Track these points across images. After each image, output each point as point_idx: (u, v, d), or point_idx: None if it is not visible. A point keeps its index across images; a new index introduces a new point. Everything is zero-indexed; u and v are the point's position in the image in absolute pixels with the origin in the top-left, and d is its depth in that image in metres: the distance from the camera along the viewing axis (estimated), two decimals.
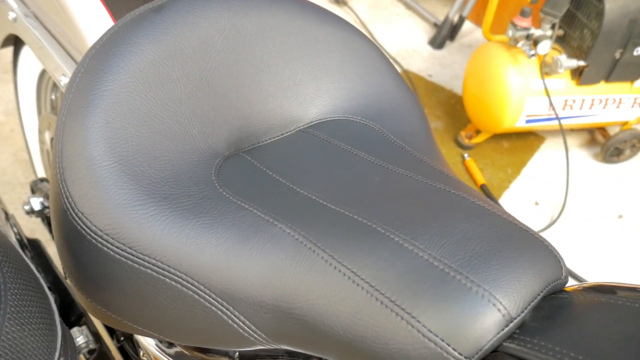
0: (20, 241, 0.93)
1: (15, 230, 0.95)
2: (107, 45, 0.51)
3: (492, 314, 0.38)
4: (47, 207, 0.94)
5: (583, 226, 1.49)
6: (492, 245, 0.42)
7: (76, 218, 0.47)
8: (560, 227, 1.48)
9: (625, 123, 1.60)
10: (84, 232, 0.47)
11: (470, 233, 0.43)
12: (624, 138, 1.58)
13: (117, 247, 0.46)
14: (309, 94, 0.61)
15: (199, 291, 0.45)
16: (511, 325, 0.38)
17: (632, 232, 1.49)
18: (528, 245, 0.43)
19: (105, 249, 0.46)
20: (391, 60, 1.87)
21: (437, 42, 2.04)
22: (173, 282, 0.46)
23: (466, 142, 1.64)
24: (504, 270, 0.40)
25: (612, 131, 1.67)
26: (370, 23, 2.12)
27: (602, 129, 1.68)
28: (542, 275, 0.41)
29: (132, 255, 0.46)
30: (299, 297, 0.43)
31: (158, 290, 0.46)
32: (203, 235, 0.46)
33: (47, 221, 0.97)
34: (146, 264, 0.45)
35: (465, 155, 1.61)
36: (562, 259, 0.44)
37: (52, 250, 0.87)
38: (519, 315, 0.39)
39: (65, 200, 0.47)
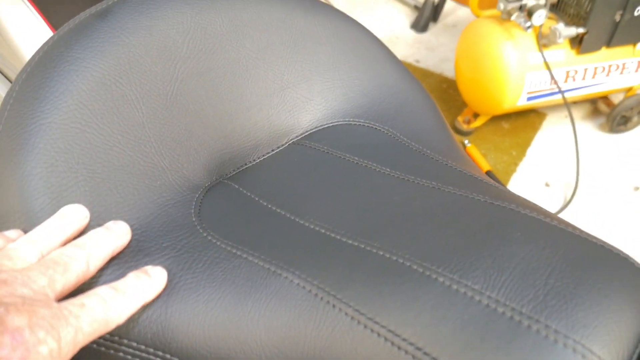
0: None
1: None
2: (41, 65, 0.40)
3: None
4: None
5: (599, 203, 1.40)
6: (569, 274, 0.31)
7: None
8: (575, 207, 1.38)
9: (630, 89, 1.51)
10: None
11: (536, 260, 0.32)
12: (630, 105, 1.49)
13: None
14: (299, 99, 0.50)
15: None
16: None
17: None
18: (611, 266, 0.33)
19: None
20: None
21: (420, 26, 1.93)
22: None
23: (464, 127, 1.54)
24: (594, 309, 0.30)
25: (616, 99, 1.57)
26: (348, 12, 2.01)
27: (605, 98, 1.59)
28: None
29: (98, 338, 0.35)
30: None
31: None
32: (187, 300, 0.35)
33: None
34: (116, 346, 0.35)
35: (466, 141, 1.51)
36: None
37: None
38: None
39: None
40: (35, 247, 0.33)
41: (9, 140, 0.37)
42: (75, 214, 0.36)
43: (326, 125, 0.50)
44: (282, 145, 0.49)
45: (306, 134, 0.50)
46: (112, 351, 0.35)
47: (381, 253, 0.35)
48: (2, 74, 0.59)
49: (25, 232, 0.35)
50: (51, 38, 0.42)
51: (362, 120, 0.51)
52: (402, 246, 0.35)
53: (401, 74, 0.54)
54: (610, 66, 1.41)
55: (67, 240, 0.35)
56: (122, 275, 0.35)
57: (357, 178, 0.44)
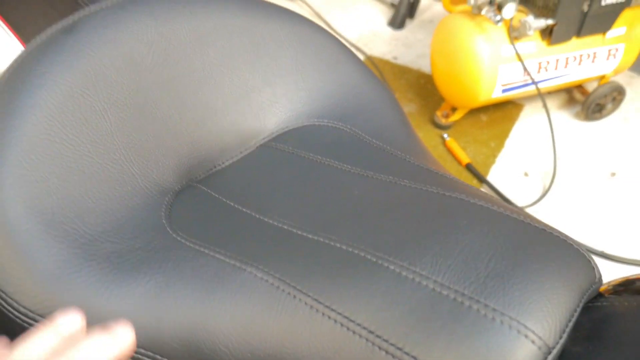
0: None
1: None
2: (12, 81, 0.42)
3: (524, 348, 0.30)
4: None
5: (577, 190, 1.43)
6: (508, 257, 0.34)
7: (0, 300, 0.38)
8: (553, 195, 1.41)
9: (603, 77, 1.54)
10: (12, 315, 0.38)
11: (479, 245, 0.35)
12: (604, 92, 1.52)
13: None
14: (264, 102, 0.52)
15: None
16: (550, 357, 0.31)
17: (627, 189, 1.43)
18: (549, 249, 0.35)
19: None
20: (353, 48, 1.79)
21: (397, 22, 1.96)
22: None
23: (443, 121, 1.57)
24: (529, 288, 0.32)
25: (591, 87, 1.61)
26: (325, 13, 2.03)
27: (580, 87, 1.62)
28: (574, 285, 0.33)
29: None
30: (285, 356, 0.35)
31: None
32: (158, 297, 0.37)
33: None
34: None
35: (445, 135, 1.54)
36: (591, 257, 0.36)
37: None
38: (558, 343, 0.31)
39: None
40: None
41: None
42: (69, 324, 0.31)
43: (292, 127, 0.53)
44: (249, 147, 0.51)
45: (273, 136, 0.52)
46: None
47: (338, 245, 0.37)
48: None
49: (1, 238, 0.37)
50: (20, 55, 0.44)
51: (325, 121, 0.53)
52: (358, 238, 0.37)
53: (363, 75, 0.57)
54: (581, 56, 1.44)
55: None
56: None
57: (320, 176, 0.46)
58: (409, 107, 1.66)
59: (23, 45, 0.56)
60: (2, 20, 0.55)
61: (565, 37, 1.39)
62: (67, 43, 0.44)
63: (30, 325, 0.37)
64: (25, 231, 0.38)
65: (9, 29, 0.55)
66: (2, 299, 0.38)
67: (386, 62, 1.82)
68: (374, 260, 0.35)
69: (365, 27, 1.98)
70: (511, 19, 1.33)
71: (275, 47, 0.53)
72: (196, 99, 0.49)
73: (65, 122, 0.41)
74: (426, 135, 1.57)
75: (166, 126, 0.47)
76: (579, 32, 1.40)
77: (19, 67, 0.43)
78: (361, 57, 1.82)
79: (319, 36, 0.56)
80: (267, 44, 0.53)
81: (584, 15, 1.36)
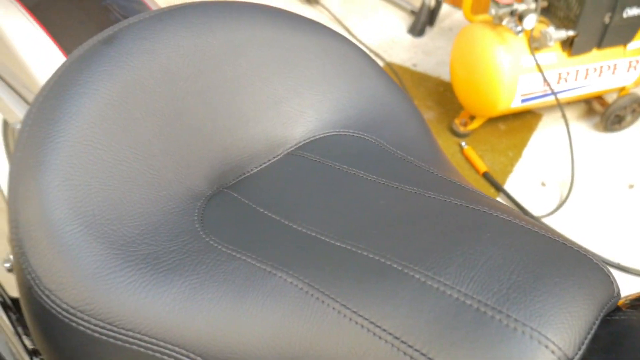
0: (3, 303, 0.86)
1: None
2: (55, 89, 0.44)
3: (545, 357, 0.32)
4: None
5: (594, 201, 1.43)
6: (530, 270, 0.35)
7: (43, 296, 0.40)
8: (571, 205, 1.42)
9: (623, 88, 1.54)
10: (53, 311, 0.40)
11: (502, 258, 0.36)
12: (624, 104, 1.52)
13: (94, 325, 0.39)
14: (292, 112, 0.54)
15: None
16: None
17: None
18: (570, 263, 0.36)
19: (81, 328, 0.39)
20: (372, 54, 1.80)
21: (417, 30, 1.97)
22: (165, 357, 0.39)
23: (461, 129, 1.58)
24: (550, 300, 0.33)
25: (610, 99, 1.61)
26: (345, 19, 2.05)
27: (599, 98, 1.62)
28: (594, 299, 0.35)
29: (113, 332, 0.39)
30: (313, 359, 0.37)
31: None
32: (193, 298, 0.39)
33: None
34: (131, 340, 0.39)
35: (463, 143, 1.55)
36: (610, 272, 0.38)
37: None
38: (577, 354, 0.32)
39: (28, 276, 0.41)
40: None
41: (29, 158, 0.42)
42: None
43: (318, 136, 0.54)
44: (278, 155, 0.53)
45: (300, 144, 0.54)
46: (126, 344, 0.39)
47: (365, 253, 0.39)
48: (21, 97, 0.64)
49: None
50: (64, 64, 0.46)
51: (351, 131, 0.54)
52: (384, 247, 0.39)
53: (388, 86, 0.58)
54: (601, 67, 1.44)
55: None
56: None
57: (346, 185, 0.48)
58: (428, 115, 1.67)
59: (62, 52, 0.59)
60: (45, 30, 0.57)
61: (586, 49, 1.40)
62: (107, 54, 0.46)
63: (71, 320, 0.39)
64: (69, 232, 0.40)
65: (50, 38, 0.58)
66: (46, 295, 0.40)
67: (405, 69, 1.84)
68: (400, 269, 0.37)
69: (385, 34, 1.99)
70: (532, 30, 1.34)
71: (304, 58, 0.55)
72: (228, 107, 0.51)
73: (106, 129, 0.44)
74: (444, 143, 1.58)
75: (199, 133, 0.49)
76: (600, 44, 1.40)
77: (63, 76, 0.45)
78: (380, 63, 1.83)
79: (345, 48, 0.58)
80: (295, 55, 0.54)
81: (606, 27, 1.37)
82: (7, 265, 0.86)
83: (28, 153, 0.42)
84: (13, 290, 1.12)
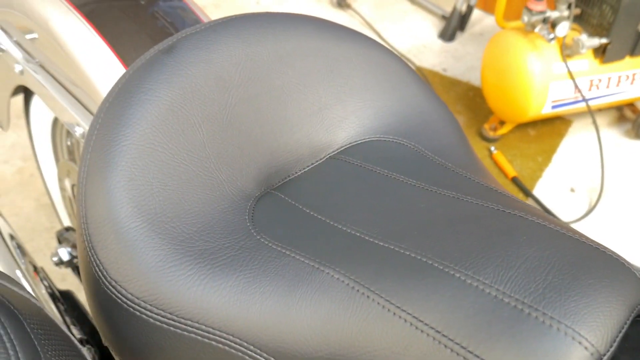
0: (52, 294, 0.90)
1: (46, 283, 0.93)
2: (121, 95, 0.48)
3: (578, 353, 0.34)
4: (76, 257, 0.91)
5: (624, 209, 1.43)
6: (565, 272, 0.38)
7: (110, 287, 0.44)
8: (600, 212, 1.42)
9: None
10: (119, 300, 0.44)
11: (538, 260, 0.39)
12: None
13: (156, 314, 0.43)
14: (335, 118, 0.57)
15: (249, 352, 0.42)
16: None
17: None
18: (603, 266, 0.39)
19: (144, 316, 0.43)
20: (403, 59, 1.83)
21: (448, 35, 1.99)
22: (220, 345, 0.42)
23: (491, 134, 1.59)
24: (584, 300, 0.36)
25: None
26: (376, 23, 2.08)
27: (631, 105, 1.62)
28: (625, 300, 0.37)
29: (174, 320, 0.42)
30: (358, 350, 0.40)
31: (205, 355, 0.43)
32: (246, 291, 0.42)
33: (77, 271, 0.95)
34: (189, 328, 0.42)
35: (492, 148, 1.56)
36: None
37: (84, 299, 0.85)
38: (609, 351, 0.35)
39: (96, 268, 0.44)
40: None
41: (97, 159, 0.45)
42: None
43: (359, 141, 0.57)
44: (321, 159, 0.56)
45: (342, 149, 0.57)
46: (185, 333, 0.42)
47: (407, 253, 0.42)
48: (83, 105, 0.68)
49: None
50: (127, 72, 0.50)
51: (391, 137, 0.57)
52: (425, 247, 0.42)
53: (426, 95, 0.61)
54: (634, 75, 1.45)
55: None
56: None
57: (387, 188, 0.50)
58: (458, 119, 1.69)
59: (122, 64, 0.63)
60: (106, 43, 0.61)
61: (618, 56, 1.40)
62: (167, 63, 0.50)
63: (135, 309, 0.43)
64: (133, 229, 0.44)
65: (110, 49, 0.62)
66: (112, 286, 0.43)
67: (435, 74, 1.85)
68: (441, 268, 0.40)
69: (416, 39, 2.01)
70: (564, 37, 1.35)
71: (347, 67, 0.58)
72: (275, 114, 0.54)
73: (166, 133, 0.47)
74: (474, 147, 1.60)
75: (249, 138, 0.52)
76: (633, 51, 1.40)
77: (127, 84, 0.49)
78: (411, 67, 1.86)
79: (386, 58, 0.60)
80: (339, 64, 0.57)
81: (639, 34, 1.37)
82: (55, 259, 0.91)
83: (97, 155, 0.46)
84: (59, 283, 1.17)
